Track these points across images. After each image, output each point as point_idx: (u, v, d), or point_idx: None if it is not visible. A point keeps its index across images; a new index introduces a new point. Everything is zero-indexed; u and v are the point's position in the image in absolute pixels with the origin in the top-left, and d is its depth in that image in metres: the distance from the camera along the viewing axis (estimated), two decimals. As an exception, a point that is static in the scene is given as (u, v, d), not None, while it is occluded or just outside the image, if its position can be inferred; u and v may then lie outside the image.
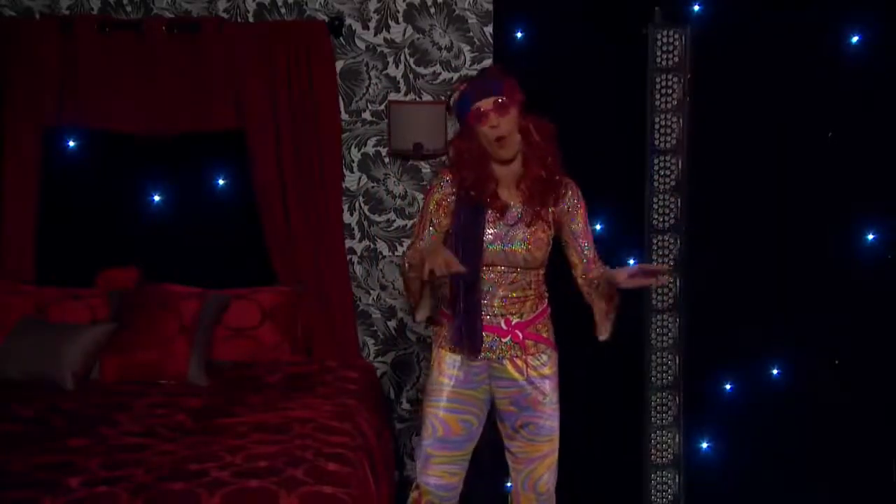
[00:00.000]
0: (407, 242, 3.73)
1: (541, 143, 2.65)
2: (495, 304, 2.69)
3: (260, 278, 3.92)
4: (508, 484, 2.94)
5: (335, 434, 2.87)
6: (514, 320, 2.71)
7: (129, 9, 3.91)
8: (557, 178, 2.67)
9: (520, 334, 2.71)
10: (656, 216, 3.60)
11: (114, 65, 3.79)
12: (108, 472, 2.53)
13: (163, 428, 2.93)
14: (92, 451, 2.70)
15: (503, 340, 2.71)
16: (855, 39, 3.67)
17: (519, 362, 2.72)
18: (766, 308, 3.80)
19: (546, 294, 2.81)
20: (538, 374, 2.74)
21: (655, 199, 3.60)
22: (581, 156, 3.77)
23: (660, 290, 3.64)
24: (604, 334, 2.78)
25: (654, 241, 3.61)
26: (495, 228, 2.65)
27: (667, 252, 3.62)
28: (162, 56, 3.79)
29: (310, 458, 2.63)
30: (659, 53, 3.51)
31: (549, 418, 2.76)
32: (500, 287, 2.68)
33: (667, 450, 3.70)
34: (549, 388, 2.76)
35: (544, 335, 2.77)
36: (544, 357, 2.75)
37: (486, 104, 2.59)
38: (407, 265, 2.65)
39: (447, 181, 2.70)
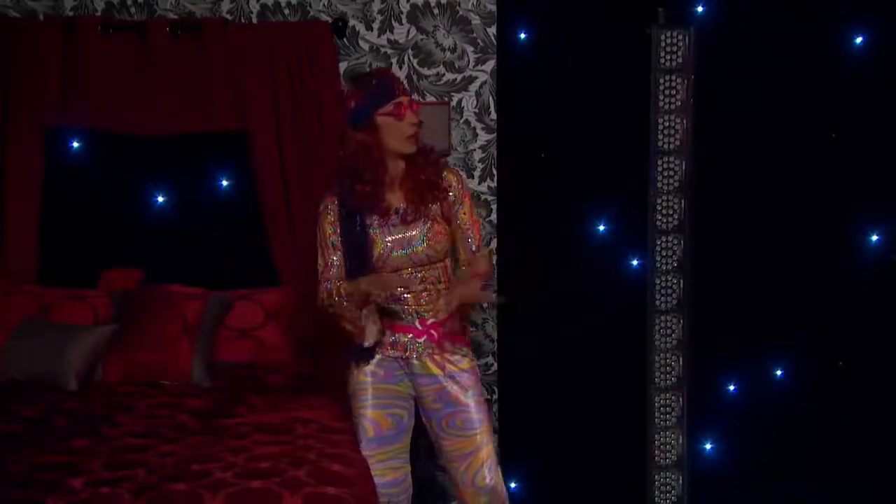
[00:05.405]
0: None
1: (426, 145, 2.76)
2: (409, 305, 2.76)
3: (262, 279, 3.92)
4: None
5: (338, 435, 2.86)
6: (430, 320, 2.77)
7: (132, 10, 3.91)
8: (435, 178, 2.74)
9: (435, 334, 2.78)
10: (660, 217, 3.60)
11: (117, 66, 3.79)
12: (110, 472, 2.52)
13: (165, 428, 2.92)
14: (94, 452, 2.69)
15: (419, 341, 2.78)
16: (859, 40, 3.67)
17: (438, 358, 2.79)
18: (769, 309, 3.79)
19: None
20: (457, 369, 2.80)
21: (659, 200, 3.60)
22: (584, 156, 3.82)
23: (663, 291, 3.64)
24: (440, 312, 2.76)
25: (658, 242, 3.62)
26: (392, 235, 2.73)
27: (670, 253, 3.61)
28: (165, 57, 3.78)
29: (312, 459, 2.62)
30: (662, 54, 3.51)
31: (476, 411, 2.80)
32: (411, 287, 2.75)
33: (670, 451, 3.70)
34: (470, 381, 2.81)
35: (459, 333, 2.85)
36: (461, 354, 2.82)
37: (406, 100, 2.69)
38: (343, 294, 2.69)
39: (334, 203, 2.77)
